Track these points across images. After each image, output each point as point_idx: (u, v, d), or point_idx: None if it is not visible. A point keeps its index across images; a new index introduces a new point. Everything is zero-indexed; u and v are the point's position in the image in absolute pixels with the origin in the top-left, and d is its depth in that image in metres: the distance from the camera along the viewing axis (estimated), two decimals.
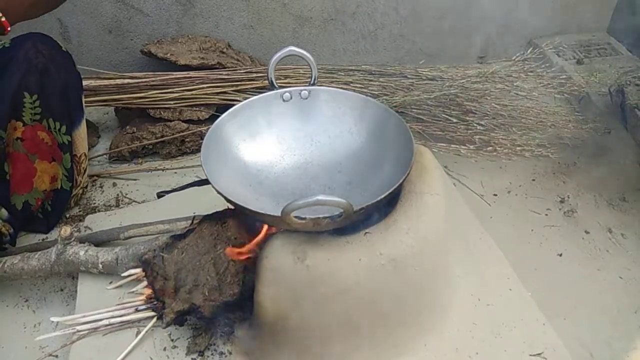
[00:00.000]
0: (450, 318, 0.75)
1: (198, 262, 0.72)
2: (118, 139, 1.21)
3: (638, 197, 1.10)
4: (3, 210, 0.90)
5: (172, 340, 0.76)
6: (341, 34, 1.43)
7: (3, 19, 0.70)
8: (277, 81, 0.82)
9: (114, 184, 1.14)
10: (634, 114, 1.13)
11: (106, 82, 1.17)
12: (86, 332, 0.76)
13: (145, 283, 0.78)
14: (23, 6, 0.73)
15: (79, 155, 1.02)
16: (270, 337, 0.69)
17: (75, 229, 0.99)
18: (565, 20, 1.56)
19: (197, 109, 1.21)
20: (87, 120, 1.04)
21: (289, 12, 1.37)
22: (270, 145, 0.83)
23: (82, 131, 1.01)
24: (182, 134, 1.19)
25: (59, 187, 1.00)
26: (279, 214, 0.59)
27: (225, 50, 1.31)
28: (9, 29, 0.72)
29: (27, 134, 0.91)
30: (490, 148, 1.13)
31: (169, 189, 0.94)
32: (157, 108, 1.20)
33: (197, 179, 1.08)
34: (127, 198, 1.10)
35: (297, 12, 1.37)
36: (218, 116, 0.79)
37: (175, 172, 1.17)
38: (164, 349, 0.75)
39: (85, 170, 1.05)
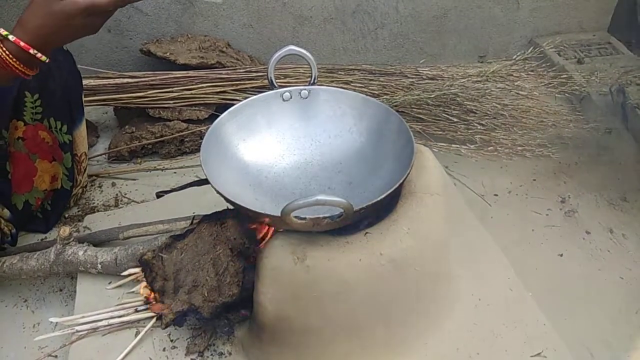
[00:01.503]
0: (450, 318, 0.75)
1: (197, 263, 0.71)
2: (117, 138, 1.21)
3: (639, 197, 1.09)
4: (6, 210, 0.90)
5: (171, 340, 0.76)
6: (341, 33, 1.43)
7: (38, 54, 0.64)
8: (277, 80, 0.82)
9: (113, 184, 1.13)
10: (635, 113, 1.13)
11: (105, 81, 1.17)
12: (85, 332, 0.76)
13: (144, 283, 0.78)
14: (58, 37, 0.65)
15: (79, 154, 1.01)
16: (270, 337, 0.69)
17: (74, 229, 0.99)
18: (566, 19, 1.56)
19: (197, 108, 1.21)
20: (86, 120, 1.04)
21: (289, 11, 1.37)
22: (270, 145, 0.83)
23: (82, 130, 1.01)
24: (181, 133, 1.19)
25: (59, 186, 0.99)
26: (279, 214, 0.59)
27: (224, 49, 1.31)
28: (43, 58, 0.65)
29: (28, 134, 0.91)
30: (491, 148, 1.13)
31: (169, 189, 0.94)
32: (157, 107, 1.19)
33: (196, 179, 1.08)
34: (126, 198, 1.09)
35: (296, 11, 1.37)
36: (217, 116, 0.78)
37: (175, 172, 1.17)
38: (163, 349, 0.74)
39: (85, 170, 1.05)
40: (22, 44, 0.63)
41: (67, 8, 0.62)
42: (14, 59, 0.64)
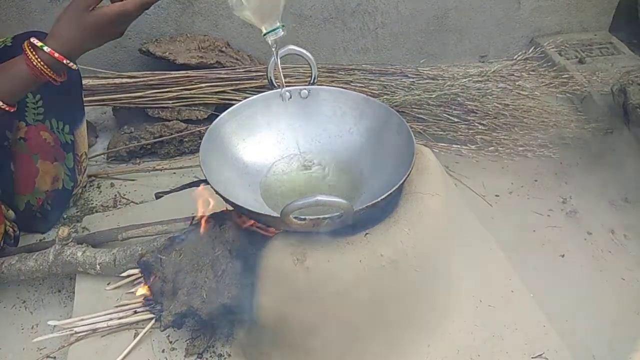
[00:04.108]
0: (451, 319, 0.75)
1: (196, 264, 0.71)
2: (116, 138, 1.20)
3: None
4: (10, 211, 0.90)
5: (170, 342, 0.75)
6: (341, 33, 1.43)
7: (70, 64, 0.69)
8: (277, 80, 0.82)
9: (112, 185, 1.13)
10: (636, 113, 1.13)
11: (104, 81, 1.16)
12: (84, 333, 0.75)
13: (143, 284, 0.77)
14: (89, 46, 0.69)
15: (80, 154, 1.01)
16: (270, 338, 0.69)
17: (73, 230, 0.98)
18: (567, 19, 1.55)
19: (196, 108, 1.20)
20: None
21: (289, 11, 1.36)
22: (270, 145, 0.82)
23: (82, 130, 1.01)
24: (180, 133, 1.18)
25: (60, 187, 0.99)
26: (279, 215, 0.58)
27: (224, 49, 1.30)
28: (75, 67, 0.70)
29: (29, 134, 0.91)
30: (492, 148, 1.12)
31: (168, 190, 0.94)
32: (156, 107, 1.19)
33: (195, 179, 1.08)
34: (125, 199, 1.09)
35: (296, 10, 1.37)
36: (217, 116, 0.78)
37: (174, 173, 1.16)
38: (163, 351, 0.74)
39: (85, 170, 1.05)
40: (56, 55, 0.67)
41: (98, 19, 0.66)
42: (47, 68, 0.68)
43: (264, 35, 0.71)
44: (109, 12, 0.66)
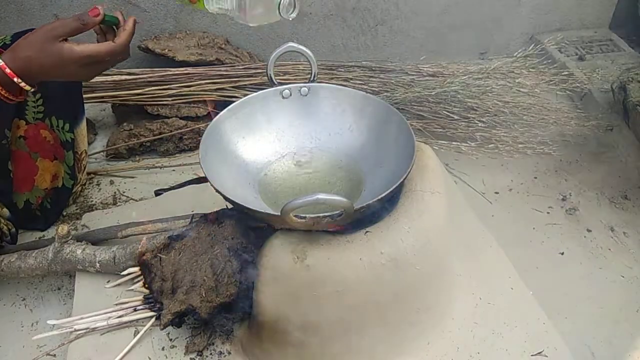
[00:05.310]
0: (451, 317, 0.75)
1: (195, 263, 0.71)
2: (115, 136, 1.20)
3: None
4: (5, 209, 0.90)
5: (170, 340, 0.75)
6: (341, 30, 1.42)
7: (22, 84, 0.64)
8: (277, 77, 0.82)
9: (111, 182, 1.13)
10: (636, 111, 1.13)
11: (103, 78, 1.16)
12: (84, 331, 0.75)
13: (142, 282, 0.77)
14: (46, 75, 0.65)
15: (80, 152, 1.01)
16: (270, 336, 0.69)
17: (73, 228, 0.98)
18: (567, 16, 1.55)
19: (196, 105, 1.20)
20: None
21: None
22: (270, 143, 0.82)
23: (82, 128, 1.01)
24: (180, 131, 1.18)
25: (60, 185, 0.99)
26: (279, 213, 0.58)
27: (223, 46, 1.30)
28: (27, 88, 0.65)
29: (29, 133, 0.91)
30: (492, 145, 1.12)
31: (167, 187, 0.94)
32: (155, 105, 1.19)
33: (195, 177, 1.07)
34: (125, 196, 1.09)
35: None
36: (216, 113, 0.78)
37: (174, 170, 1.16)
38: (162, 348, 0.74)
39: (84, 168, 1.05)
40: (7, 70, 0.63)
41: (64, 52, 0.62)
42: None
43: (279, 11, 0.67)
44: (78, 50, 0.63)
